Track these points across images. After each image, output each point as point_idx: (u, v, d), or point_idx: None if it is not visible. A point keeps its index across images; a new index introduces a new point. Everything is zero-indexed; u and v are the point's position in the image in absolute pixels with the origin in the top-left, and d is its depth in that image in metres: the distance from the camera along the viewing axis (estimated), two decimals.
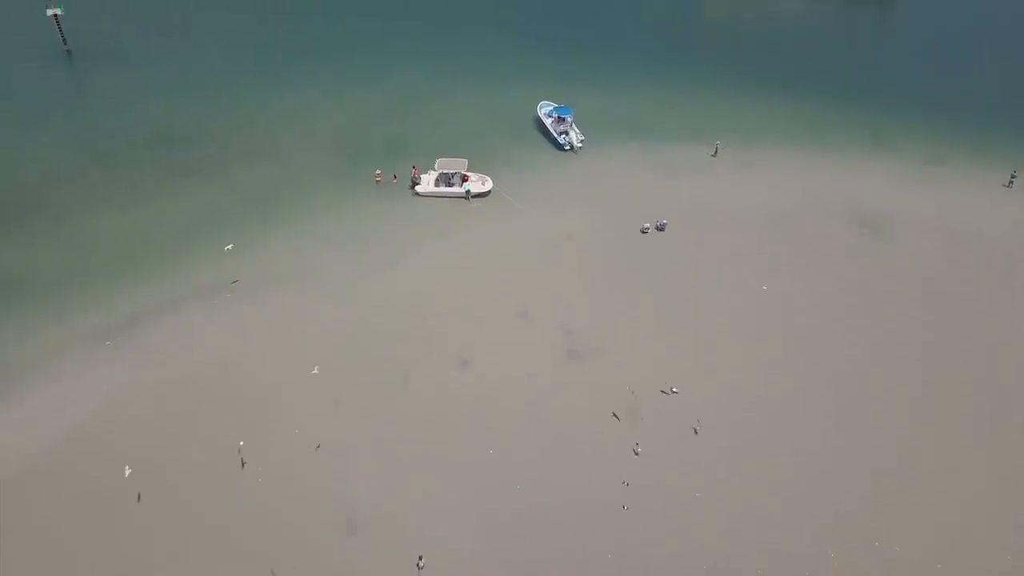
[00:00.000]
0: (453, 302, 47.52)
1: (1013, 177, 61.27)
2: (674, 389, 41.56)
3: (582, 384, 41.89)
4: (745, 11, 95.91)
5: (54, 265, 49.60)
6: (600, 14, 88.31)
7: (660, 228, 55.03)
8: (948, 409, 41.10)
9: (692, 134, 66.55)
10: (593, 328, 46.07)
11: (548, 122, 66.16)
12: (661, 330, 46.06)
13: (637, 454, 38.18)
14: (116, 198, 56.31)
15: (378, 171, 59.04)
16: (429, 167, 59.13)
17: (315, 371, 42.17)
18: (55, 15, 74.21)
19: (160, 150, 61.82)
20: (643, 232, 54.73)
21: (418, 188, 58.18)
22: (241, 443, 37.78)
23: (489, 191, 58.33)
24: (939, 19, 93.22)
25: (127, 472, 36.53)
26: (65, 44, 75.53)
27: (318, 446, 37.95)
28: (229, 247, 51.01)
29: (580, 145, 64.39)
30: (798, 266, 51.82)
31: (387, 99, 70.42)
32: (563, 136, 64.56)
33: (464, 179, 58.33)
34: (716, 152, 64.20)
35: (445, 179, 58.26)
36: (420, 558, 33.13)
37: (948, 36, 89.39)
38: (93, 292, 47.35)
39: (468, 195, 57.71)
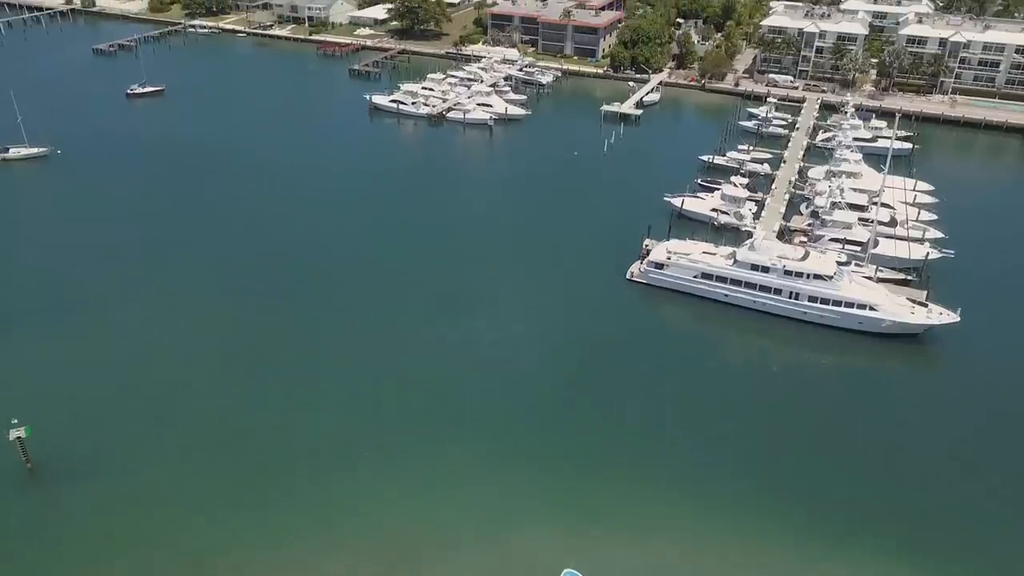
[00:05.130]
0: None
1: None
2: None
3: None
4: (773, 367, 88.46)
5: None
6: (614, 425, 77.90)
7: None
8: None
9: None
10: None
11: None
12: None
13: None
14: None
15: None
16: None
17: None
18: (19, 438, 66.42)
19: None
20: None
21: None
22: None
23: None
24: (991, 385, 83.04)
25: None
26: (28, 463, 67.52)
27: None
28: None
29: None
30: None
31: (389, 548, 61.09)
32: None
33: None
34: None
35: None
36: None
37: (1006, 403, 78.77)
38: None
39: None
